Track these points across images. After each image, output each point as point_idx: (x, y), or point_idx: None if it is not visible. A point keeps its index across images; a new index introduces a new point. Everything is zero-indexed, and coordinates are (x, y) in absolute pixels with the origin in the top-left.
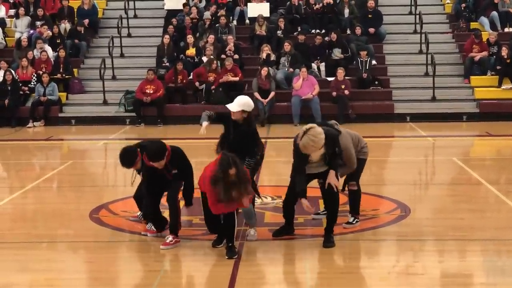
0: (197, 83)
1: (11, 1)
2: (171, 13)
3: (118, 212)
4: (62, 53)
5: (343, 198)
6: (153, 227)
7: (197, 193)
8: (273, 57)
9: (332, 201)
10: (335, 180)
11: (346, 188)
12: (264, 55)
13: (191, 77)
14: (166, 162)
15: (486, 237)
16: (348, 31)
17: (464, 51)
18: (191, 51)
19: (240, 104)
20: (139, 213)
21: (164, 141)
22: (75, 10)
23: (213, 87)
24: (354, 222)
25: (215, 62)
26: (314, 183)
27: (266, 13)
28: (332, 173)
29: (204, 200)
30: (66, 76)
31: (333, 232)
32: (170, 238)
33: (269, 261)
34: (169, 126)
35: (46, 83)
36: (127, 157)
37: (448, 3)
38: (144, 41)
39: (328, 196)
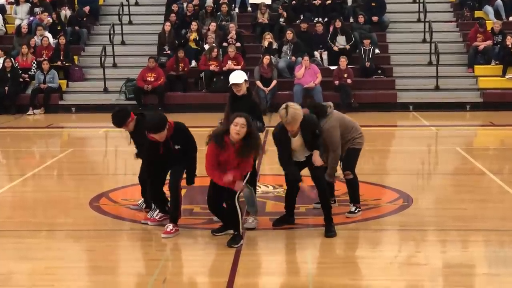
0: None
1: None
2: (173, 0)
3: (118, 200)
4: (62, 40)
5: (343, 188)
6: (154, 215)
7: (198, 181)
8: (275, 46)
9: (320, 189)
10: (319, 160)
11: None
12: (266, 43)
13: (193, 64)
14: (167, 137)
15: (488, 227)
16: (351, 20)
17: (468, 40)
18: (193, 37)
19: (241, 75)
20: (140, 201)
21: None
22: None
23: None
24: (356, 211)
25: (215, 50)
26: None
27: (268, 0)
28: (315, 152)
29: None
30: (67, 64)
31: (333, 221)
32: (170, 226)
33: (270, 251)
34: (170, 114)
35: (46, 70)
36: (119, 116)
37: None
38: (145, 29)
39: (316, 184)
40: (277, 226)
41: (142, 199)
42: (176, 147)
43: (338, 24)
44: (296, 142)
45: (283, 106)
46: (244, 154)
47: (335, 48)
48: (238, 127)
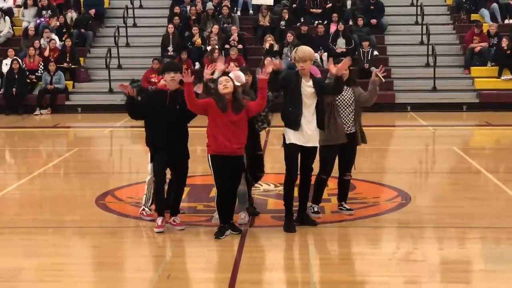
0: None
1: None
2: (176, 3)
3: (123, 198)
4: (68, 42)
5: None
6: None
7: (202, 180)
8: (276, 48)
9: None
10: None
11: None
12: (267, 46)
13: (196, 66)
14: (178, 88)
15: (485, 224)
16: (351, 22)
17: (464, 42)
18: (198, 41)
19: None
20: (143, 199)
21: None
22: None
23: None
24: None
25: (216, 51)
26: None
27: (270, 2)
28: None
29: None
30: (73, 65)
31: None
32: (178, 219)
33: (272, 247)
34: None
35: (53, 71)
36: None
37: None
38: (150, 31)
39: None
40: (299, 224)
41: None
42: (177, 106)
43: (341, 27)
44: (308, 88)
45: (294, 48)
46: (238, 109)
47: (338, 50)
48: (223, 82)
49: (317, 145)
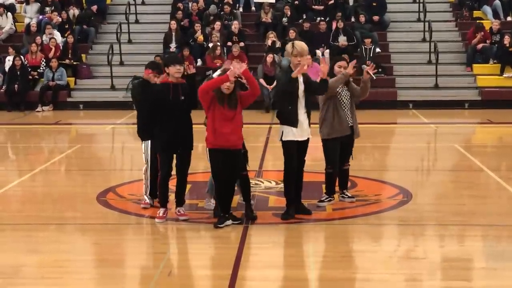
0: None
1: None
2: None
3: (125, 195)
4: (70, 38)
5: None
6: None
7: (203, 177)
8: (278, 44)
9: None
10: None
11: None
12: (269, 42)
13: (198, 63)
14: (181, 81)
15: (486, 222)
16: (353, 19)
17: (466, 40)
18: (200, 38)
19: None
20: (147, 198)
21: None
22: None
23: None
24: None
25: (218, 48)
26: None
27: None
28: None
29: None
30: (75, 62)
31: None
32: (182, 209)
33: (273, 244)
34: None
35: (55, 68)
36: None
37: None
38: (152, 27)
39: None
40: (285, 220)
41: (147, 195)
42: (182, 97)
43: (340, 24)
44: (300, 85)
45: (289, 43)
46: (234, 104)
47: (341, 44)
48: (227, 82)
49: (310, 136)
